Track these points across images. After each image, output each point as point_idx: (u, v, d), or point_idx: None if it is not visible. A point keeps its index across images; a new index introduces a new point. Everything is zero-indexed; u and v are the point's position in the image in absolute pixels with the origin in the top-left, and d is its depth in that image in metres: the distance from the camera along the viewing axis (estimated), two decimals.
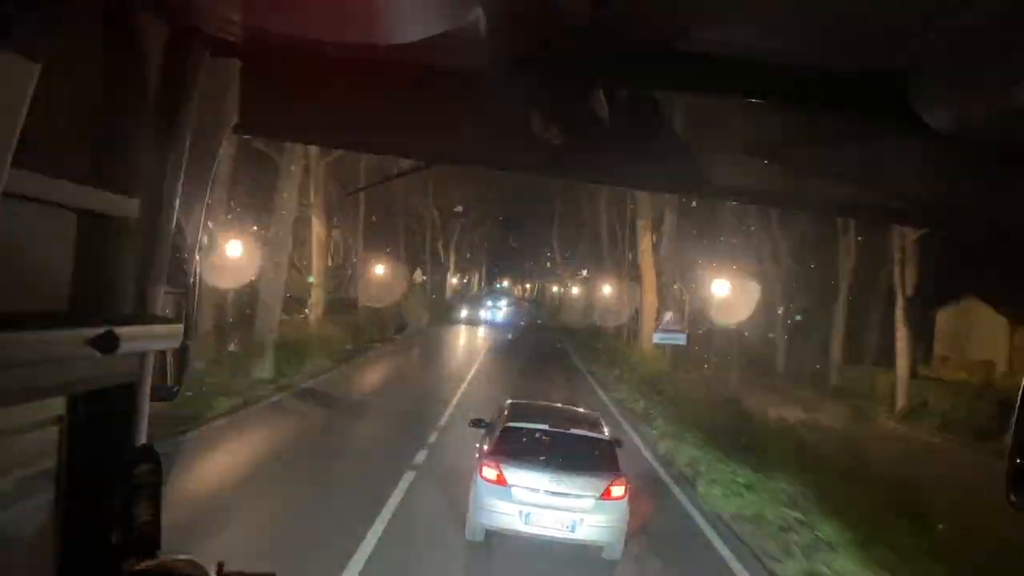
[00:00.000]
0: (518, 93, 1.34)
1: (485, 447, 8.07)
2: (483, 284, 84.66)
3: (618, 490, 7.40)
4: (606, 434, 8.17)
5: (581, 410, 9.73)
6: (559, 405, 10.44)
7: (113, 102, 1.17)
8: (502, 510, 7.36)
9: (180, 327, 1.40)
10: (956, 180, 1.31)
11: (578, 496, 7.31)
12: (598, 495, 7.33)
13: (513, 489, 7.36)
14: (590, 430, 8.07)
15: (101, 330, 1.08)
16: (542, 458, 7.49)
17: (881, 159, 1.29)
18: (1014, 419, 1.14)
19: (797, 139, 1.29)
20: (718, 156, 1.39)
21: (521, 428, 7.90)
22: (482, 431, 8.82)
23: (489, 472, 7.48)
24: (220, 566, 1.50)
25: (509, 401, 8.97)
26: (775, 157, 1.32)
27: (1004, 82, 0.93)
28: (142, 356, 1.36)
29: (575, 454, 7.58)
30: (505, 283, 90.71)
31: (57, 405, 1.31)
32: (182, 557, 1.38)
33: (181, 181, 1.30)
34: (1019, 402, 1.13)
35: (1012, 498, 1.15)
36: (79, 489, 1.32)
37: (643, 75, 1.21)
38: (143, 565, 1.34)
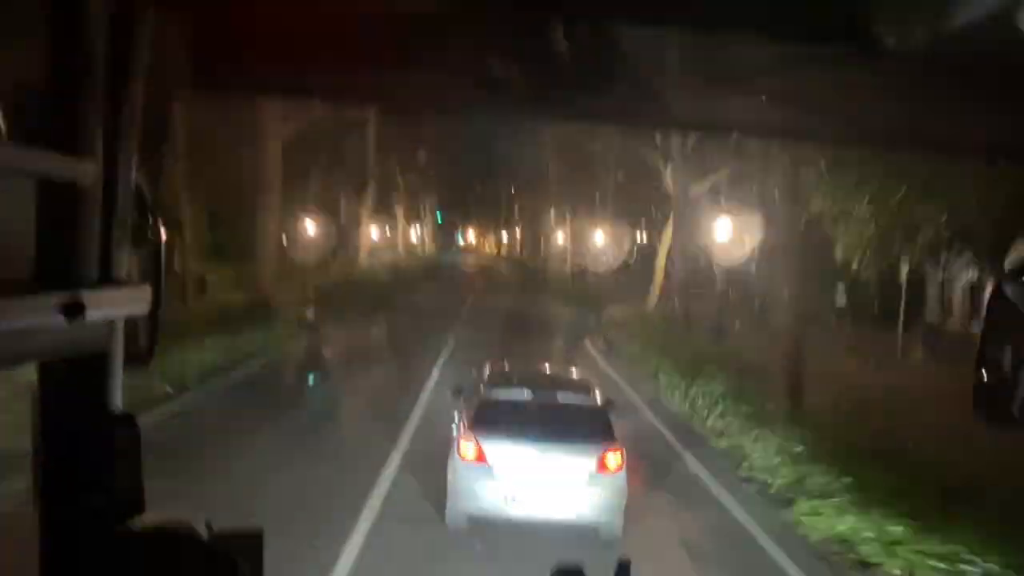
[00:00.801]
0: (473, 32, 1.32)
1: (462, 421, 7.27)
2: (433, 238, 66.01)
3: (614, 461, 6.74)
4: (598, 399, 7.40)
5: (569, 373, 9.15)
6: (544, 369, 9.93)
7: (62, 62, 1.14)
8: (484, 493, 6.63)
9: (149, 290, 1.38)
10: (916, 104, 1.32)
11: (569, 471, 6.65)
12: (592, 469, 6.68)
13: (495, 468, 6.61)
14: (580, 396, 7.37)
15: (66, 296, 1.07)
16: (527, 431, 6.74)
17: (844, 85, 1.30)
18: (980, 336, 1.17)
19: (759, 68, 1.30)
20: (680, 89, 1.39)
21: (501, 398, 7.14)
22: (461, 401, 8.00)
23: (467, 450, 6.74)
24: (208, 525, 1.52)
25: (488, 365, 8.15)
26: (738, 87, 1.33)
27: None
28: (111, 321, 1.34)
29: (564, 424, 6.90)
30: (471, 236, 71.18)
31: (27, 375, 1.30)
32: (172, 516, 1.39)
33: (137, 141, 1.27)
34: (984, 318, 1.17)
35: (977, 411, 1.19)
36: (57, 459, 1.32)
37: (603, 5, 1.19)
38: (133, 525, 1.35)
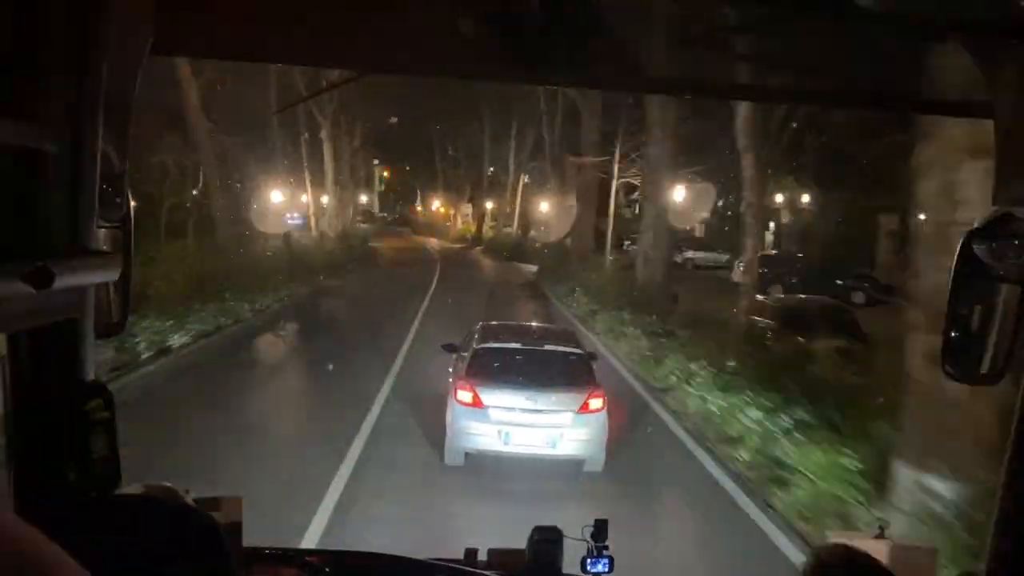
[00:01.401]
0: None
1: (458, 370, 7.98)
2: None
3: (596, 403, 7.36)
4: (581, 348, 8.19)
5: (553, 326, 10.17)
6: (531, 323, 10.80)
7: (23, 29, 1.10)
8: (480, 432, 7.28)
9: (118, 259, 1.36)
10: (885, 58, 1.35)
11: (556, 412, 7.27)
12: (576, 409, 7.29)
13: (490, 410, 7.28)
14: (564, 345, 8.08)
15: (33, 265, 1.05)
16: (517, 377, 7.43)
17: (813, 42, 1.31)
18: (948, 294, 1.21)
19: (732, 27, 1.31)
20: (656, 49, 1.38)
21: (494, 348, 7.82)
22: (453, 356, 8.71)
23: (464, 395, 7.40)
24: (187, 492, 1.52)
25: (480, 323, 8.85)
26: (712, 47, 1.33)
27: None
28: (81, 291, 1.32)
29: (550, 370, 7.54)
30: (436, 205, 59.96)
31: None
32: (151, 484, 1.38)
33: (102, 108, 1.23)
34: (951, 278, 1.20)
35: (947, 368, 1.24)
36: (29, 430, 1.30)
37: None
38: (110, 493, 1.35)
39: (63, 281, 1.10)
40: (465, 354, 8.00)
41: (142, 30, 1.30)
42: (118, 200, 1.37)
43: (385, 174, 61.83)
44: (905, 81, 1.48)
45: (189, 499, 1.54)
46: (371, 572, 1.90)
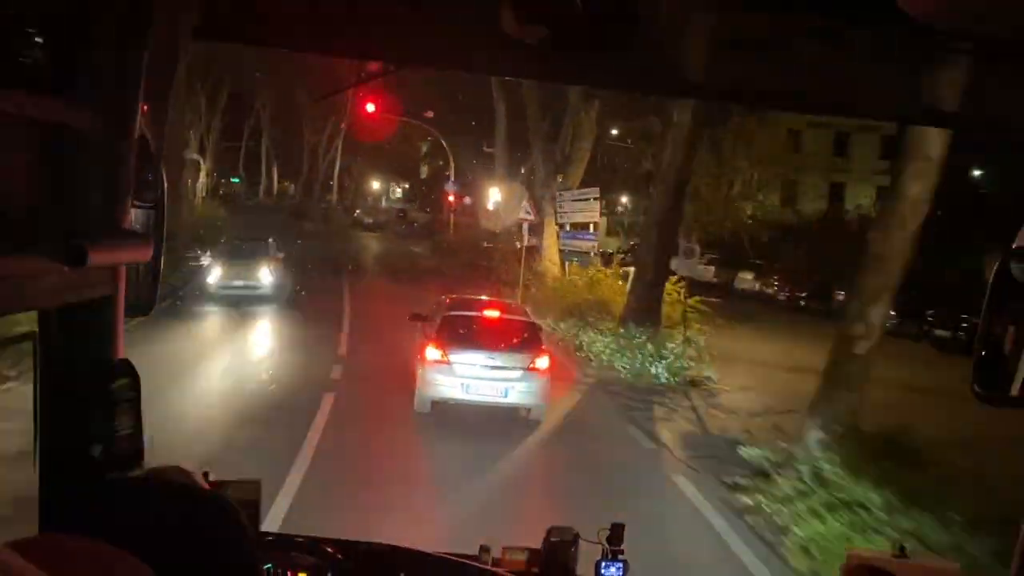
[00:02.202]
0: None
1: (427, 333, 9.39)
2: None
3: (541, 363, 9.02)
4: (529, 317, 10.08)
5: (508, 301, 12.51)
6: (487, 297, 12.27)
7: (68, 11, 1.11)
8: (446, 384, 8.85)
9: (151, 240, 1.37)
10: (929, 73, 1.30)
11: (509, 368, 8.89)
12: (525, 367, 8.94)
13: (455, 366, 8.84)
14: (516, 315, 10.01)
15: (70, 244, 1.06)
16: (478, 339, 9.02)
17: (852, 52, 1.27)
18: (982, 314, 1.18)
19: (775, 36, 1.26)
20: (696, 54, 1.35)
21: (459, 316, 9.45)
22: (420, 324, 10.22)
23: (433, 353, 8.91)
24: (205, 475, 1.54)
25: (446, 297, 10.58)
26: (753, 55, 1.29)
27: None
28: (113, 270, 1.34)
29: (505, 335, 9.20)
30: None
31: (30, 321, 1.30)
32: (171, 465, 1.40)
33: (142, 90, 1.24)
34: (986, 298, 1.16)
35: (976, 388, 1.20)
36: (57, 405, 1.33)
37: None
38: (134, 474, 1.37)
39: (97, 259, 1.11)
40: (434, 320, 9.49)
41: (184, 15, 1.30)
42: (153, 182, 1.38)
43: None
44: (945, 96, 1.44)
45: (206, 481, 1.57)
46: (386, 564, 1.91)
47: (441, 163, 45.06)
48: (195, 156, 37.31)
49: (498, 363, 8.89)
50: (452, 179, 33.00)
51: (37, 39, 1.10)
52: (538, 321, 10.80)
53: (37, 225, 1.13)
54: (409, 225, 47.67)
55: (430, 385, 8.92)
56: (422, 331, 9.79)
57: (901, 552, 1.68)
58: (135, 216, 1.37)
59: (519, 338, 9.30)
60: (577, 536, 2.04)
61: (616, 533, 2.13)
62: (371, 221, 47.23)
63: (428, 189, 51.76)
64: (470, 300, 10.86)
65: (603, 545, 2.13)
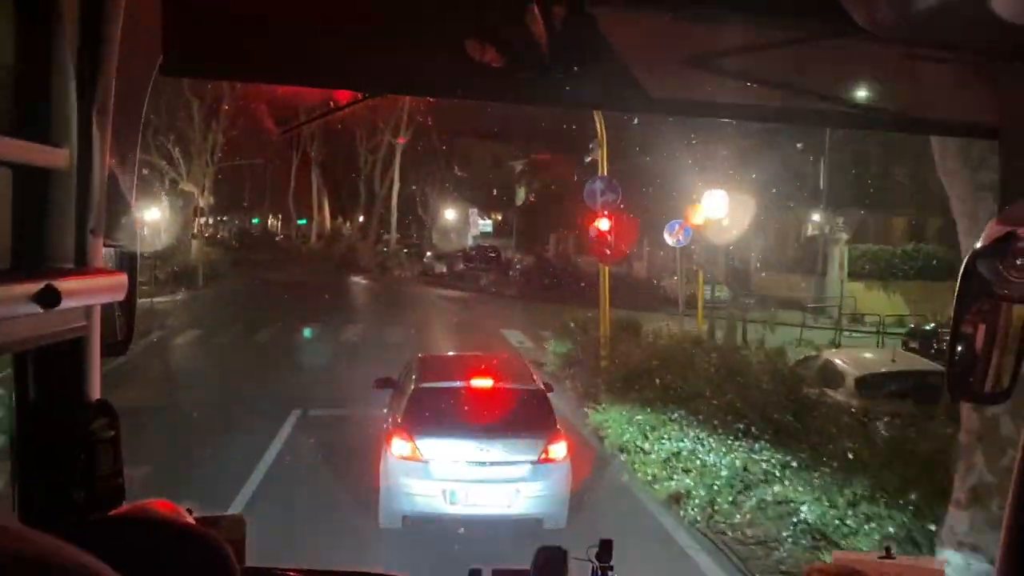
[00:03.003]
0: (452, 15, 1.69)
1: (394, 415, 8.60)
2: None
3: (557, 450, 8.09)
4: (536, 382, 9.09)
5: (500, 355, 11.60)
6: (474, 353, 12.04)
7: (33, 49, 1.52)
8: (421, 491, 7.82)
9: (124, 278, 1.81)
10: (889, 78, 1.62)
11: (511, 463, 7.94)
12: (535, 459, 7.94)
13: (431, 464, 7.82)
14: (517, 380, 8.92)
15: (41, 285, 1.44)
16: (464, 422, 8.08)
17: (818, 64, 1.60)
18: (953, 314, 1.53)
19: (734, 48, 1.61)
20: (656, 70, 1.71)
21: (435, 388, 8.50)
22: (388, 393, 9.53)
23: (401, 447, 7.97)
24: (189, 511, 1.93)
25: (418, 356, 9.97)
26: (713, 67, 1.64)
27: None
28: (87, 310, 1.77)
29: (503, 412, 8.18)
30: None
31: (3, 364, 1.73)
32: (153, 501, 1.80)
33: (110, 128, 1.70)
34: (955, 298, 1.51)
35: (951, 387, 1.64)
36: (35, 447, 1.74)
37: None
38: (119, 510, 1.76)
39: (69, 300, 1.52)
40: (401, 395, 8.71)
41: (150, 51, 1.78)
42: (125, 220, 1.84)
43: None
44: (909, 101, 1.78)
45: (191, 518, 1.97)
46: None
47: (546, 187, 45.09)
48: (188, 187, 39.83)
49: (496, 456, 7.91)
50: (603, 182, 16.52)
51: (2, 81, 1.50)
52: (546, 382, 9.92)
53: (8, 267, 1.54)
54: (500, 271, 43.43)
55: (398, 493, 7.95)
56: (389, 408, 9.15)
57: (887, 553, 2.11)
58: (108, 255, 1.82)
59: (524, 415, 8.31)
60: (566, 554, 2.51)
61: (605, 549, 2.63)
62: (443, 270, 44.78)
63: (527, 220, 51.65)
64: (450, 360, 10.59)
65: (592, 562, 2.63)
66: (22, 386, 1.74)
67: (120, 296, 1.84)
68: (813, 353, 16.03)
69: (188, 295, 31.82)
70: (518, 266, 43.06)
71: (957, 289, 1.51)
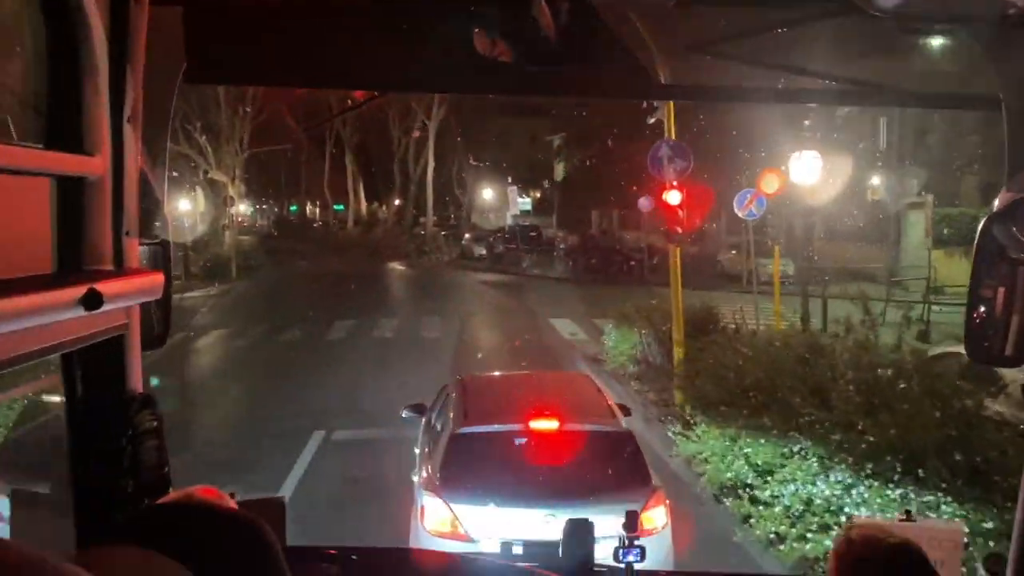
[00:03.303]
0: (460, 12, 1.85)
1: (425, 467, 6.76)
2: None
3: (656, 517, 6.06)
4: (618, 417, 6.95)
5: (568, 377, 9.65)
6: (530, 373, 9.99)
7: (64, 64, 1.73)
8: None
9: (160, 276, 2.02)
10: (891, 55, 1.75)
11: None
12: (625, 532, 5.09)
13: (481, 545, 5.56)
14: (592, 416, 6.87)
15: (85, 288, 1.65)
16: (523, 482, 6.09)
17: (818, 42, 1.74)
18: (971, 277, 1.67)
19: (738, 32, 1.75)
20: (663, 57, 1.85)
21: (481, 433, 6.55)
22: (420, 429, 7.86)
23: (436, 518, 5.93)
24: (232, 495, 2.14)
25: (458, 379, 8.03)
26: (718, 52, 1.78)
27: None
28: (127, 309, 1.98)
29: (577, 467, 6.30)
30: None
31: (52, 364, 1.96)
32: (197, 487, 2.00)
33: (140, 134, 1.91)
34: (973, 262, 1.65)
35: (969, 351, 1.78)
36: (84, 442, 1.97)
37: None
38: (166, 498, 1.97)
39: (111, 301, 1.73)
40: (437, 440, 6.90)
41: (174, 61, 1.98)
42: (158, 220, 2.05)
43: None
44: (912, 76, 1.91)
45: (233, 502, 2.18)
46: (412, 568, 2.56)
47: (587, 160, 44.84)
48: (220, 177, 40.70)
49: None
50: (671, 146, 14.11)
51: (36, 95, 1.71)
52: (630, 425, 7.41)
53: (53, 272, 1.75)
54: (542, 252, 42.96)
55: None
56: (419, 452, 7.45)
57: (907, 516, 2.33)
58: (143, 253, 2.03)
59: (607, 469, 6.44)
60: (593, 527, 2.81)
61: (631, 520, 2.96)
62: (483, 252, 44.71)
63: (567, 196, 51.51)
64: (501, 385, 8.49)
65: (620, 533, 2.94)
66: (70, 384, 1.95)
67: (158, 294, 2.05)
68: (952, 348, 11.16)
69: (220, 289, 32.38)
70: (561, 246, 42.51)
71: (974, 253, 1.66)
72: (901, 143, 30.83)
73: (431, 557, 2.70)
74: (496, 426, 6.68)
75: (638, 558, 2.97)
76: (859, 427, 8.83)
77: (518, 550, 2.82)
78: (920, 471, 8.04)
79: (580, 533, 2.77)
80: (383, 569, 2.49)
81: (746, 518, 8.74)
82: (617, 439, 6.62)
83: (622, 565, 2.98)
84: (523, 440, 6.54)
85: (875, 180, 32.25)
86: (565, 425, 6.53)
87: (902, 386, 9.14)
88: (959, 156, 29.19)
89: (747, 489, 9.09)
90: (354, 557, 2.49)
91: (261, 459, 10.99)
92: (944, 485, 7.87)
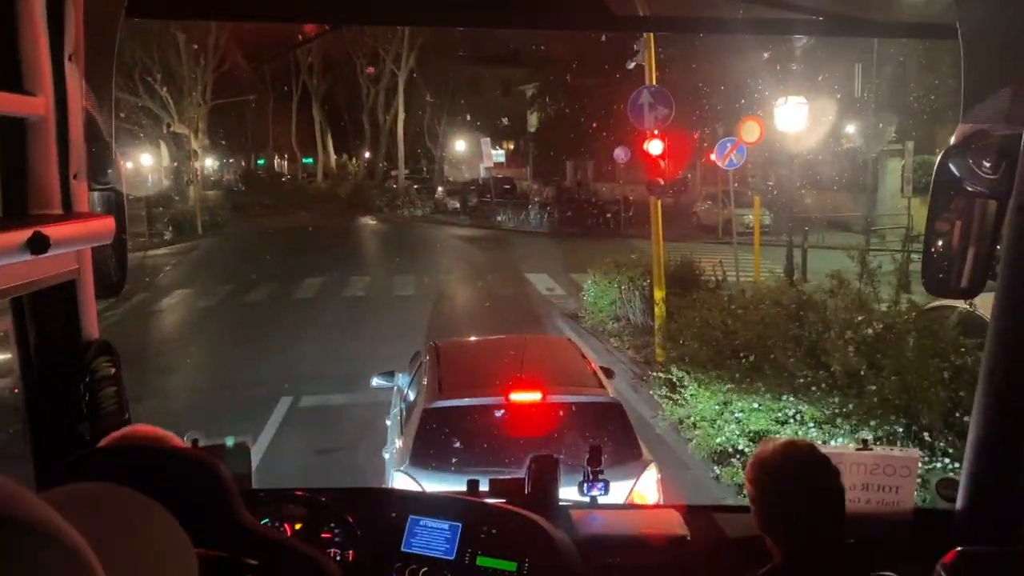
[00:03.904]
0: None
1: (397, 442, 6.66)
2: None
3: (648, 492, 5.89)
4: (606, 386, 6.70)
5: (548, 340, 9.40)
6: (508, 337, 9.52)
7: None
8: None
9: (111, 221, 1.91)
10: None
11: None
12: (590, 467, 5.41)
13: None
14: (576, 384, 6.65)
15: (30, 232, 1.57)
16: (504, 460, 5.78)
17: None
18: (928, 210, 1.76)
19: None
20: None
21: (457, 407, 6.24)
22: (392, 397, 7.76)
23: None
24: (195, 442, 2.07)
25: (432, 344, 7.66)
26: None
27: None
28: (78, 253, 1.89)
29: (561, 442, 5.92)
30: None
31: (1, 308, 1.87)
32: (140, 425, 1.91)
33: (83, 72, 1.77)
34: (931, 195, 1.73)
35: (926, 283, 1.87)
36: (40, 387, 1.89)
37: None
38: (107, 439, 1.88)
39: (59, 245, 1.64)
40: (410, 414, 6.69)
41: None
42: (108, 162, 1.92)
43: None
44: (872, 8, 1.93)
45: (194, 445, 2.11)
46: (381, 505, 2.61)
47: (561, 111, 44.58)
48: (183, 130, 40.26)
49: None
50: (652, 92, 13.67)
51: None
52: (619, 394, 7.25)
53: None
54: (518, 204, 42.04)
55: None
56: (390, 426, 7.37)
57: (864, 445, 2.55)
58: (95, 199, 1.91)
59: (592, 443, 5.40)
60: (558, 461, 2.91)
61: (595, 455, 3.12)
62: (457, 206, 44.72)
63: (541, 148, 51.04)
64: (477, 351, 8.16)
65: (585, 468, 3.10)
66: (21, 330, 1.93)
67: (108, 239, 1.96)
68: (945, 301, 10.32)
69: (184, 246, 32.06)
70: (536, 199, 41.97)
71: (931, 187, 1.71)
72: (877, 90, 30.86)
73: (398, 496, 2.81)
74: (473, 399, 6.29)
75: (603, 491, 3.14)
76: (859, 390, 8.57)
77: (484, 487, 2.88)
78: (925, 435, 7.82)
79: (545, 469, 2.86)
80: (352, 506, 2.53)
81: (740, 487, 8.22)
82: (604, 410, 6.31)
83: (587, 499, 3.12)
84: (502, 413, 6.20)
85: (850, 128, 32.29)
86: (548, 396, 6.14)
87: (909, 343, 8.75)
88: (937, 102, 29.28)
89: (739, 456, 8.92)
90: (323, 499, 2.51)
91: (223, 430, 10.40)
92: (951, 451, 7.65)
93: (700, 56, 29.44)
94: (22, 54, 1.67)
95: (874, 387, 8.36)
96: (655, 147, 13.19)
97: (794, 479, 2.07)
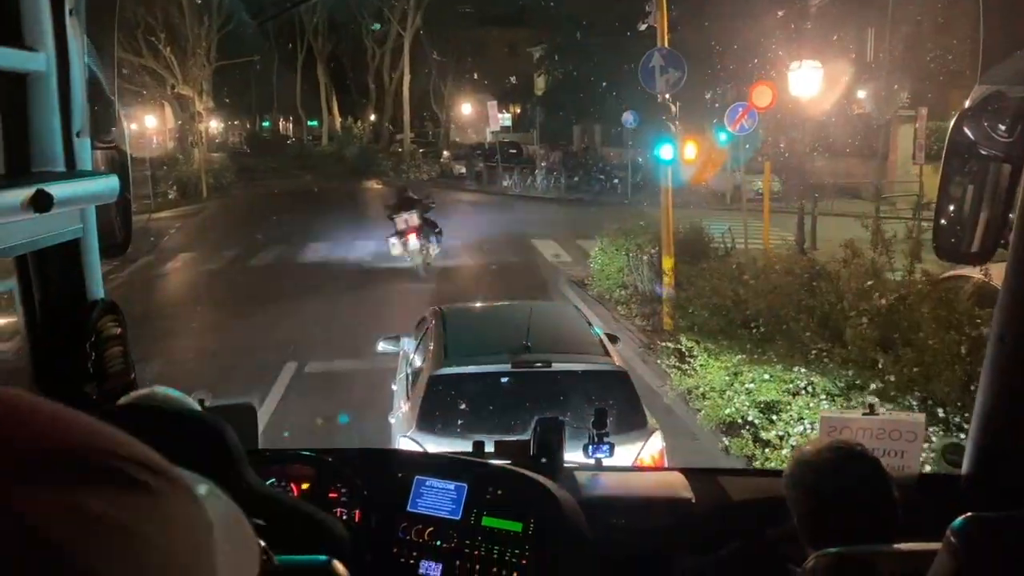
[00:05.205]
0: None
1: (402, 409, 6.70)
2: None
3: (651, 456, 5.91)
4: (613, 357, 6.71)
5: (554, 308, 9.52)
6: (513, 304, 9.56)
7: None
8: None
9: (115, 180, 1.91)
10: None
11: None
12: (595, 429, 5.33)
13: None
14: (581, 351, 6.71)
15: (34, 190, 1.57)
16: (509, 427, 5.65)
17: None
18: (940, 175, 1.76)
19: None
20: None
21: (463, 374, 6.29)
22: (397, 362, 7.86)
23: None
24: (201, 401, 2.09)
25: (436, 309, 7.70)
26: None
27: None
28: (81, 212, 1.89)
29: (568, 408, 5.89)
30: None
31: (5, 268, 1.87)
32: (157, 389, 1.92)
33: (85, 29, 1.76)
34: (943, 159, 1.73)
35: (938, 247, 1.87)
36: (45, 346, 1.90)
37: None
38: (127, 398, 1.90)
39: (62, 203, 1.64)
40: (417, 380, 6.69)
41: None
42: (111, 119, 1.91)
43: None
44: None
45: (200, 406, 2.13)
46: (386, 467, 2.64)
47: (569, 73, 44.18)
48: (187, 91, 39.89)
49: None
50: (663, 55, 13.12)
51: None
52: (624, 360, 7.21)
53: (1, 174, 1.66)
54: (525, 168, 40.92)
55: None
56: (396, 391, 7.44)
57: (871, 410, 2.60)
58: (98, 157, 1.91)
59: (600, 411, 5.45)
60: (563, 424, 2.94)
61: (600, 418, 3.17)
62: (463, 171, 44.40)
63: (549, 111, 50.34)
64: (482, 317, 8.21)
65: (590, 430, 3.14)
66: (26, 289, 1.94)
67: (112, 198, 1.96)
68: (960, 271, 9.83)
69: (191, 208, 32.10)
70: (543, 164, 41.33)
71: (945, 150, 1.69)
72: (891, 52, 30.40)
73: (405, 457, 2.87)
74: (479, 367, 6.36)
75: (607, 454, 3.18)
76: (876, 364, 8.45)
77: (490, 449, 2.94)
78: (939, 410, 7.63)
79: (550, 431, 2.89)
80: (357, 466, 2.56)
81: (749, 459, 8.45)
82: (611, 378, 6.36)
83: (591, 460, 3.16)
84: (508, 380, 6.27)
85: (861, 94, 31.87)
86: (554, 364, 6.25)
87: (924, 314, 8.58)
88: (954, 63, 28.86)
89: (749, 427, 8.85)
90: (329, 459, 2.55)
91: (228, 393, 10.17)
92: (966, 426, 6.61)
93: (713, 15, 29.06)
94: (23, 8, 1.67)
95: (894, 362, 8.20)
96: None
97: (847, 492, 1.97)
